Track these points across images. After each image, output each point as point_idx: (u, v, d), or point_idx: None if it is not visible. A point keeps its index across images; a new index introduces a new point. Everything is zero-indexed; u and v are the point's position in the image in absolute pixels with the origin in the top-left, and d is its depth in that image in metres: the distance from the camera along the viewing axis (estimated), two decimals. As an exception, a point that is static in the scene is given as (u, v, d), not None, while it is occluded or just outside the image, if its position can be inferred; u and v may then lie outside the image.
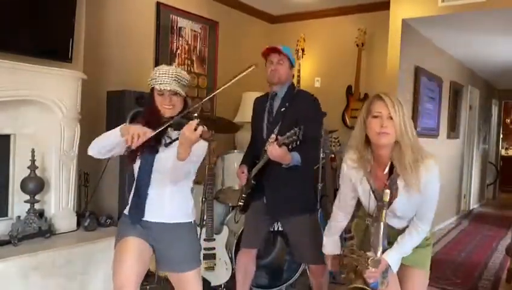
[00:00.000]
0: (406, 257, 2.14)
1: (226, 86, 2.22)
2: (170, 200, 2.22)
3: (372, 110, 1.99)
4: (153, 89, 2.19)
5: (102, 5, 4.02)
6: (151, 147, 2.15)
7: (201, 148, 2.11)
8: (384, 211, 2.03)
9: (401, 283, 2.20)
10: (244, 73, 2.19)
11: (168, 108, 2.17)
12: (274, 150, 2.46)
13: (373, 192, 2.08)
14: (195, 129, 1.88)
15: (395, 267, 2.08)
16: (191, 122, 1.90)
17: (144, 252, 2.21)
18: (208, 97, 2.44)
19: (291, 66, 2.83)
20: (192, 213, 2.32)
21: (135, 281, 2.14)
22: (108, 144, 2.14)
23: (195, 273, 2.27)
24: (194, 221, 2.34)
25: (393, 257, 2.06)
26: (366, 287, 2.05)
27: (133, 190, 2.27)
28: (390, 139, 1.96)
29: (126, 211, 2.29)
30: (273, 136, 2.64)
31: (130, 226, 2.22)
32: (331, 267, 2.41)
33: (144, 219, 2.21)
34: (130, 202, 2.27)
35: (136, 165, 2.23)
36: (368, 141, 2.05)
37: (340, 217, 2.33)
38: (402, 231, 2.12)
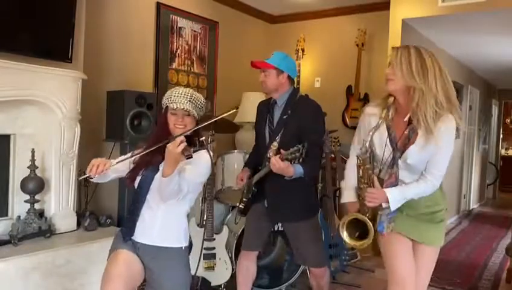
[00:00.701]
0: (417, 234, 2.18)
1: (207, 123, 2.22)
2: (161, 222, 2.16)
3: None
4: (166, 108, 2.20)
5: (102, 5, 4.02)
6: (152, 165, 2.15)
7: (203, 172, 2.15)
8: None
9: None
10: (227, 114, 2.24)
11: (179, 127, 2.15)
12: (277, 164, 2.45)
13: (390, 140, 2.12)
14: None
15: (393, 205, 2.07)
16: (176, 138, 1.94)
17: (134, 266, 2.17)
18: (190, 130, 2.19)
19: (281, 71, 2.74)
20: (183, 238, 2.23)
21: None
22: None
23: None
24: (186, 247, 2.24)
25: (394, 193, 2.07)
26: (365, 218, 2.08)
27: (130, 206, 2.24)
28: (395, 85, 2.08)
29: (124, 226, 2.27)
30: (275, 144, 2.63)
31: (122, 241, 2.19)
32: (349, 211, 2.33)
33: (134, 238, 2.17)
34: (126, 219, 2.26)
35: (136, 181, 2.20)
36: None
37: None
38: None
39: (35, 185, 3.05)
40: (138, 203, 2.17)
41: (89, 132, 3.54)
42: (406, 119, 2.09)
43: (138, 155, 2.16)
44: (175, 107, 2.13)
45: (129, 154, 2.23)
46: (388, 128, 2.14)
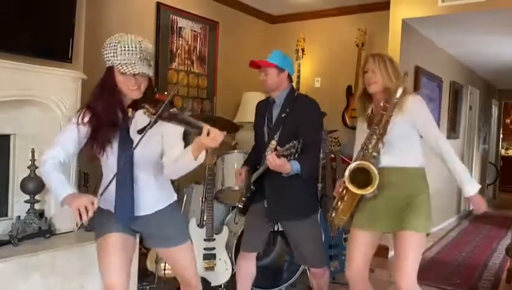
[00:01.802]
0: (390, 224, 2.39)
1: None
2: (156, 190, 2.17)
3: (364, 68, 2.50)
4: (110, 68, 1.97)
5: (102, 5, 4.02)
6: (122, 143, 2.02)
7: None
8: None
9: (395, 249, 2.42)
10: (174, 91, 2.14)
11: (134, 89, 1.97)
12: (273, 161, 2.47)
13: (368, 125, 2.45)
14: (209, 134, 1.82)
15: (476, 188, 2.41)
16: (212, 130, 1.83)
17: (128, 248, 2.19)
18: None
19: (282, 69, 2.75)
20: (173, 192, 2.29)
21: (125, 276, 2.13)
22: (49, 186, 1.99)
23: (184, 247, 2.26)
24: (176, 199, 2.31)
25: (471, 188, 2.41)
26: (371, 166, 2.24)
27: (109, 187, 1.94)
28: (378, 87, 2.43)
29: (103, 206, 2.07)
30: (274, 142, 2.64)
31: (109, 221, 2.12)
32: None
33: (136, 214, 2.15)
34: (114, 201, 2.08)
35: (109, 162, 2.07)
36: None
37: None
38: (388, 172, 2.35)
39: (35, 185, 3.05)
40: (126, 183, 2.05)
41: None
42: (382, 104, 2.33)
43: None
44: (136, 72, 1.90)
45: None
46: (370, 119, 2.47)
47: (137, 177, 2.12)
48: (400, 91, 2.27)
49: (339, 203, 2.47)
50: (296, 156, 2.43)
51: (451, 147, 2.41)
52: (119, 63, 1.92)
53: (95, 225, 2.25)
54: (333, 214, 2.52)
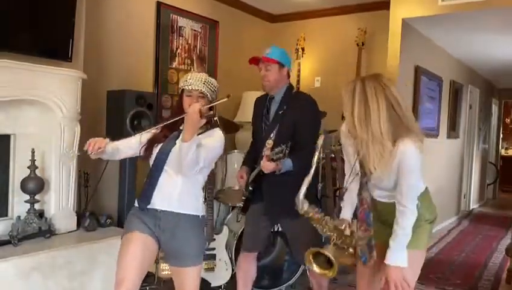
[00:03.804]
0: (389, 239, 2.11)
1: (219, 101, 2.27)
2: (180, 190, 2.22)
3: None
4: (182, 91, 2.30)
5: (102, 5, 4.01)
6: (167, 139, 2.27)
7: (217, 146, 2.24)
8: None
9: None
10: (219, 102, 2.26)
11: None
12: (267, 166, 2.56)
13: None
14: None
15: (403, 263, 2.05)
16: (195, 104, 2.10)
17: (149, 247, 2.23)
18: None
19: (283, 66, 2.77)
20: (201, 209, 2.32)
21: (136, 275, 2.15)
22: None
23: (194, 270, 2.27)
24: (203, 216, 2.33)
25: (393, 257, 2.05)
26: (332, 258, 2.04)
27: (146, 179, 2.29)
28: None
29: (136, 203, 2.31)
30: (270, 141, 2.64)
31: (137, 221, 2.24)
32: None
33: (152, 207, 2.22)
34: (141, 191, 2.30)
35: (152, 156, 2.28)
36: None
37: (352, 185, 2.26)
38: (391, 205, 2.10)
39: (35, 185, 3.05)
40: (156, 174, 2.24)
41: (89, 132, 3.52)
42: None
43: (152, 129, 2.35)
44: (190, 88, 2.24)
45: (149, 130, 2.38)
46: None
47: (165, 174, 2.23)
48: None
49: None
50: (284, 159, 2.49)
51: (411, 215, 2.05)
52: (184, 84, 2.28)
53: (125, 223, 2.35)
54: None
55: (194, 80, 2.26)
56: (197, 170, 2.17)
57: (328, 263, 2.09)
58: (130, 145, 2.35)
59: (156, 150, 2.27)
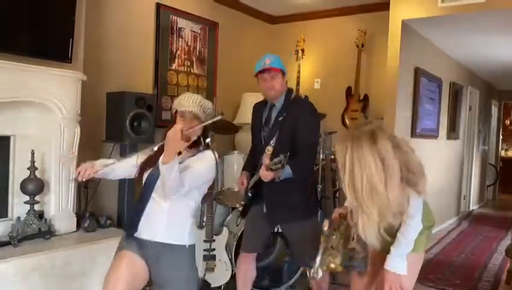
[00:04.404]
0: (389, 244, 2.13)
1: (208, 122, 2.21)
2: (167, 218, 2.18)
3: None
4: (176, 112, 2.26)
5: (102, 5, 4.01)
6: (154, 170, 2.18)
7: (206, 170, 2.19)
8: None
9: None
10: (212, 121, 2.21)
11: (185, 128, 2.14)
12: (266, 176, 2.54)
13: None
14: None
15: (402, 271, 2.07)
16: (176, 125, 2.03)
17: (138, 267, 2.19)
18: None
19: (284, 73, 2.80)
20: (187, 237, 2.23)
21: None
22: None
23: None
24: (190, 246, 2.24)
25: (392, 264, 2.08)
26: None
27: (135, 204, 2.30)
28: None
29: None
30: (270, 148, 2.64)
31: (131, 241, 2.21)
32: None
33: (139, 236, 2.19)
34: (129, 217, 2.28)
35: (143, 181, 2.25)
36: None
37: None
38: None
39: (35, 186, 3.05)
40: (144, 200, 2.20)
41: (88, 133, 3.53)
42: None
43: (148, 150, 2.29)
44: (183, 109, 2.20)
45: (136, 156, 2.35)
46: None
47: (155, 201, 2.19)
48: None
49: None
50: (283, 168, 2.45)
51: (417, 230, 2.08)
52: (179, 105, 2.23)
53: (119, 246, 2.30)
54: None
55: (188, 101, 2.21)
56: (183, 193, 2.08)
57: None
58: (125, 168, 2.34)
59: (145, 175, 2.24)
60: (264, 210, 2.81)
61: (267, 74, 2.74)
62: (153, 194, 2.19)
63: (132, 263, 2.17)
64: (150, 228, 2.18)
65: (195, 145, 2.22)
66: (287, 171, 2.58)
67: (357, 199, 1.95)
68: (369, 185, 1.90)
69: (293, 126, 2.70)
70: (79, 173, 2.17)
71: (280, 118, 2.76)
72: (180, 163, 2.06)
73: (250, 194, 2.85)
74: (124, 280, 2.12)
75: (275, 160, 2.43)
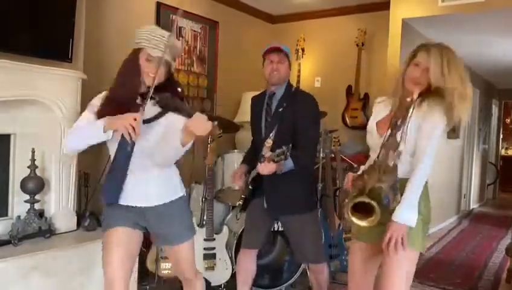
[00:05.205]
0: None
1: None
2: (160, 182, 2.18)
3: (415, 58, 2.14)
4: (138, 50, 2.07)
5: (102, 5, 4.01)
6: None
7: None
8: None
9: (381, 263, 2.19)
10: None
11: (152, 76, 2.03)
12: (266, 167, 2.48)
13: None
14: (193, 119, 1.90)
15: (410, 222, 2.03)
16: (200, 115, 1.91)
17: (133, 242, 2.21)
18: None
19: (289, 63, 2.82)
20: (180, 187, 2.28)
21: (125, 274, 2.15)
22: (89, 141, 2.05)
23: (188, 244, 2.29)
24: (183, 195, 2.29)
25: (400, 215, 2.03)
26: (371, 201, 2.00)
27: (108, 172, 2.17)
28: (421, 89, 2.09)
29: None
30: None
31: (117, 214, 2.17)
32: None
33: (129, 204, 2.16)
34: (105, 183, 2.16)
35: (112, 146, 2.11)
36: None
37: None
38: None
39: (35, 185, 3.05)
40: (120, 168, 2.09)
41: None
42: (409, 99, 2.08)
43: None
44: (154, 54, 2.01)
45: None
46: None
47: (142, 166, 2.12)
48: (417, 92, 2.05)
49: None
50: (286, 159, 2.43)
51: (427, 173, 2.10)
52: (149, 46, 2.03)
53: (104, 216, 2.27)
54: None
55: (160, 42, 2.02)
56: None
57: (366, 213, 2.05)
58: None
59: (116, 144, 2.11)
60: (265, 205, 2.81)
61: (276, 55, 2.73)
62: (133, 160, 2.07)
63: (127, 239, 2.16)
64: (145, 195, 2.15)
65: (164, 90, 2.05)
66: (289, 164, 2.57)
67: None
68: None
69: (294, 118, 2.68)
70: (130, 133, 1.90)
71: (280, 109, 2.74)
72: (150, 121, 2.02)
73: (250, 187, 2.84)
74: (123, 260, 2.13)
75: (278, 151, 2.41)
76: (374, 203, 2.01)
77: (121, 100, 2.05)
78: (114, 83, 2.15)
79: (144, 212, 2.19)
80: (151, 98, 2.00)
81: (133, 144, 2.00)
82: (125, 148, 2.02)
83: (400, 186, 2.07)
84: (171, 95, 2.02)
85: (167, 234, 2.25)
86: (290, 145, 2.40)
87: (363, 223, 2.07)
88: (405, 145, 2.06)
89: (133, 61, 2.09)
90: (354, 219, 2.08)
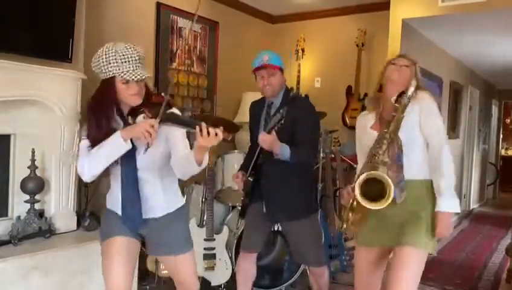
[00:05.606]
0: (390, 238, 2.16)
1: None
2: (162, 193, 2.18)
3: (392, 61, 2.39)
4: (109, 79, 1.96)
5: (102, 5, 4.02)
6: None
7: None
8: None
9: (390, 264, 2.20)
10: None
11: (135, 94, 1.99)
12: (267, 139, 2.53)
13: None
14: (211, 133, 1.89)
15: (455, 208, 2.13)
16: (202, 125, 1.87)
17: (132, 251, 2.20)
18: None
19: (282, 71, 2.78)
20: (180, 195, 2.30)
21: (128, 285, 2.14)
22: (110, 159, 2.00)
23: (190, 255, 2.27)
24: (184, 203, 2.31)
25: (445, 204, 2.11)
26: (385, 176, 2.00)
27: (115, 191, 2.17)
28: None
29: (112, 208, 2.20)
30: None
31: (115, 224, 2.16)
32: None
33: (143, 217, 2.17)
34: (120, 205, 2.13)
35: (114, 170, 2.11)
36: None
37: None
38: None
39: (35, 185, 3.05)
40: (131, 187, 2.09)
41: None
42: (393, 102, 2.16)
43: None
44: (140, 78, 1.93)
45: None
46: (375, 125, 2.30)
47: (145, 181, 2.13)
48: (412, 88, 2.11)
49: (350, 214, 2.21)
50: (283, 121, 2.49)
51: (452, 159, 2.21)
52: (123, 72, 1.93)
53: (102, 225, 2.28)
54: (344, 226, 2.26)
55: (130, 64, 1.92)
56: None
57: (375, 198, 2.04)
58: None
59: (118, 166, 2.11)
60: (264, 210, 2.80)
61: (264, 71, 2.71)
62: (143, 176, 2.10)
63: (126, 250, 2.15)
64: (150, 207, 2.16)
65: (150, 101, 2.04)
66: (286, 150, 2.56)
67: None
68: None
69: (292, 125, 2.67)
70: (150, 135, 1.90)
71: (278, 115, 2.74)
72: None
73: (250, 179, 2.81)
74: (124, 269, 2.11)
75: (274, 118, 2.44)
76: (388, 179, 1.98)
77: (103, 139, 1.99)
78: (87, 125, 2.08)
79: (146, 222, 2.18)
80: (141, 112, 2.03)
81: (134, 163, 2.05)
82: (129, 169, 2.06)
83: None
84: (167, 106, 1.96)
85: (164, 241, 2.22)
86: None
87: (371, 206, 2.04)
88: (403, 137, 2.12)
89: (109, 91, 1.99)
90: (362, 200, 2.04)
